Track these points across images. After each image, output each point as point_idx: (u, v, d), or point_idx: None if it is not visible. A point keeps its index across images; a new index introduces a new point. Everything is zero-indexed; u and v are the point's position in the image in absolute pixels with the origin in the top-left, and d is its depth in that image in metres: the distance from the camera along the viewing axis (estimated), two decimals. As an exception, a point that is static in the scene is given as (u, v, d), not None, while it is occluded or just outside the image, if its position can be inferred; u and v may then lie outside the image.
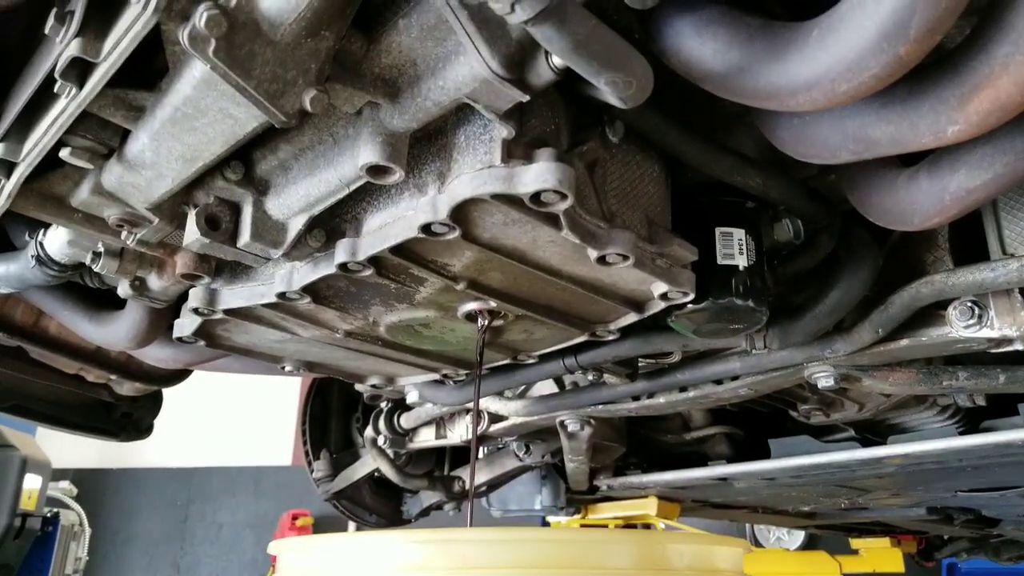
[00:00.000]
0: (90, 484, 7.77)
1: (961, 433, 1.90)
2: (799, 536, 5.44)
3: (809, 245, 1.29)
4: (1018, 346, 1.27)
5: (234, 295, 1.21)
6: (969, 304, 1.22)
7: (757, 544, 5.72)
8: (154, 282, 1.26)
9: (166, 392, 2.20)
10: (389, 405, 2.10)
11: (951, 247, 1.32)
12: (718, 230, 1.18)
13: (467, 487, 2.21)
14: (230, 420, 8.44)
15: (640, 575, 0.84)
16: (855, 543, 3.98)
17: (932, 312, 1.28)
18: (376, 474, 2.29)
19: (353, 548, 0.88)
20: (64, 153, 0.94)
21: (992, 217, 1.25)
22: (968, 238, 1.32)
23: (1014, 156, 0.91)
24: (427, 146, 0.97)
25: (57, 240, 1.21)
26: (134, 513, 8.63)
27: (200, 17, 0.71)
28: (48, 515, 5.42)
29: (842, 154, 0.91)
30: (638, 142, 1.08)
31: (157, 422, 2.34)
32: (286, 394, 8.01)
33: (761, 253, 1.20)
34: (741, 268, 1.17)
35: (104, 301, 1.60)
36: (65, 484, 6.39)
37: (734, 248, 1.17)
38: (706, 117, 1.15)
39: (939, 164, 0.99)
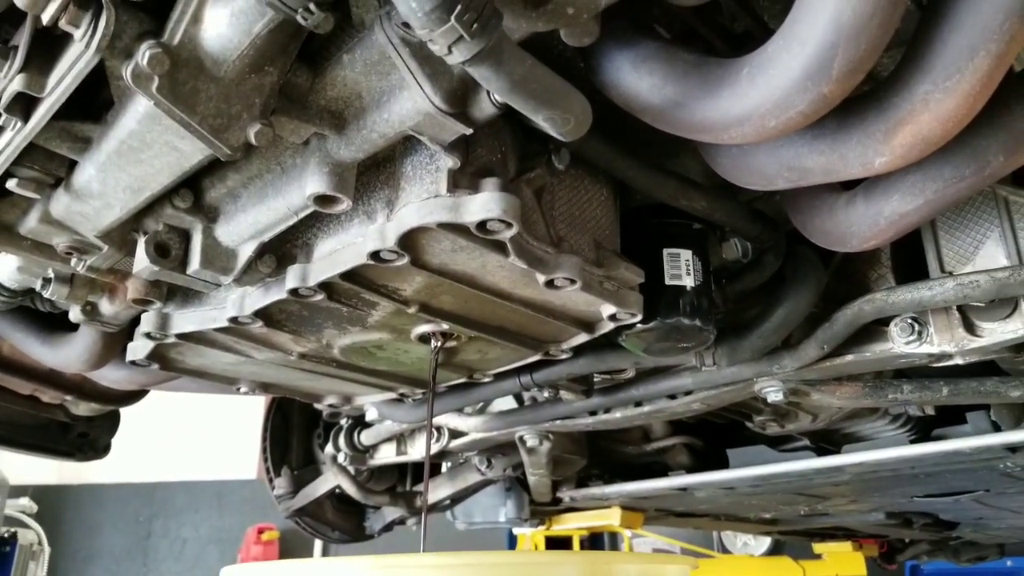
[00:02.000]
0: (50, 501, 7.59)
1: (913, 441, 1.95)
2: (765, 542, 5.51)
3: (756, 264, 1.32)
4: (957, 361, 1.31)
5: (186, 320, 1.20)
6: (909, 321, 1.26)
7: (724, 550, 5.78)
8: (106, 307, 1.25)
9: (127, 406, 2.17)
10: (349, 422, 2.09)
11: (894, 265, 1.36)
12: (666, 251, 1.20)
13: (425, 504, 2.22)
14: (192, 434, 8.30)
15: (589, 595, 0.86)
16: (818, 548, 4.05)
17: (875, 328, 1.32)
18: (338, 490, 2.28)
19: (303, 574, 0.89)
20: (11, 184, 0.94)
21: (931, 237, 1.29)
22: (910, 256, 1.36)
23: (943, 183, 0.94)
24: (376, 174, 0.98)
25: (6, 267, 1.20)
26: (96, 529, 8.44)
27: (143, 55, 0.72)
28: (5, 535, 5.29)
29: (778, 182, 0.94)
30: (586, 167, 1.10)
31: (118, 436, 2.31)
32: (249, 407, 7.91)
33: (708, 273, 1.23)
34: (688, 288, 1.19)
35: (57, 324, 1.58)
36: (25, 501, 6.24)
37: (681, 269, 1.20)
38: (654, 143, 1.18)
39: (874, 190, 1.02)
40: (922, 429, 2.02)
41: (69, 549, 8.16)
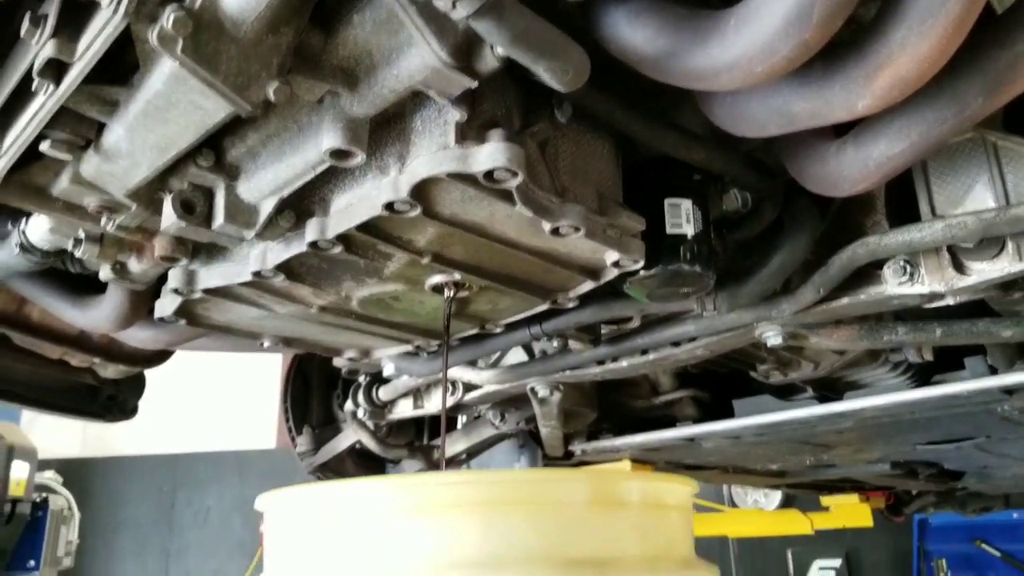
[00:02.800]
0: (75, 473, 7.80)
1: (912, 387, 2.01)
2: (776, 498, 5.62)
3: (754, 213, 1.37)
4: (948, 301, 1.36)
5: (211, 275, 1.27)
6: (902, 263, 1.31)
7: (733, 505, 5.90)
8: (134, 265, 1.32)
9: (148, 379, 2.26)
10: (367, 379, 2.17)
11: (888, 212, 1.41)
12: (667, 201, 1.25)
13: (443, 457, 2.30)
14: (212, 406, 8.48)
15: (594, 509, 0.93)
16: (825, 500, 4.13)
17: (870, 272, 1.37)
18: (358, 446, 2.37)
19: (331, 496, 0.96)
20: (44, 146, 1.00)
21: (924, 183, 1.34)
22: (903, 203, 1.41)
23: (926, 126, 0.99)
24: (387, 131, 1.04)
25: (39, 228, 1.27)
26: (121, 501, 8.68)
27: (167, 18, 0.78)
28: (37, 500, 5.48)
29: (770, 128, 0.99)
30: (588, 121, 1.15)
31: (140, 409, 2.40)
32: (267, 378, 8.06)
33: (708, 222, 1.28)
34: (689, 236, 1.25)
35: (86, 286, 1.65)
36: (50, 474, 6.43)
37: (682, 218, 1.25)
38: (653, 96, 1.23)
39: (863, 136, 1.07)
40: (921, 376, 2.08)
41: (96, 520, 8.40)
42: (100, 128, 1.01)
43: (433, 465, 2.37)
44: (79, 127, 1.00)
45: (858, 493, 4.05)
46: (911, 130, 1.00)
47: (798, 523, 4.19)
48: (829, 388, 2.21)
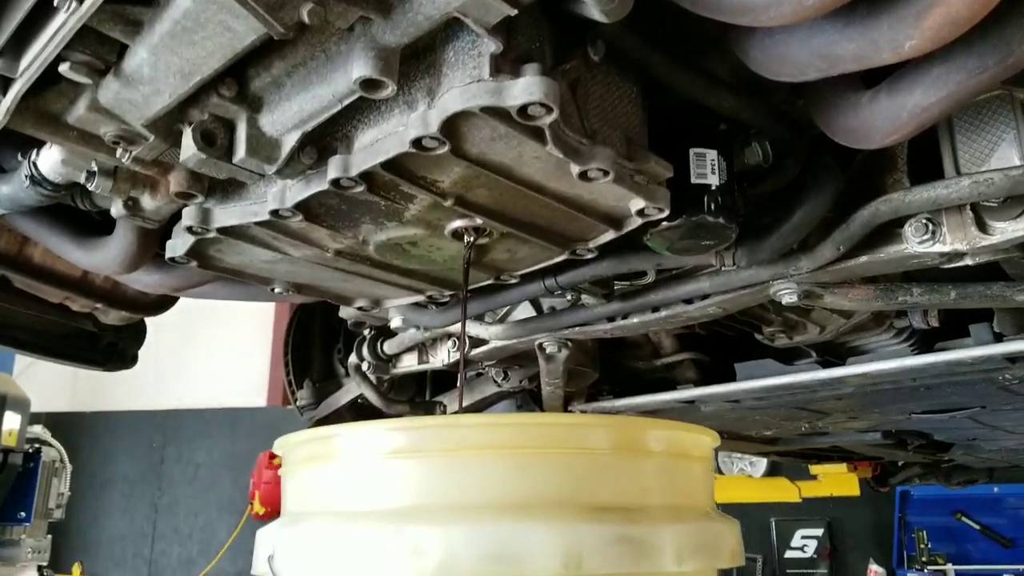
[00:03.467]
0: (64, 428, 7.78)
1: (915, 354, 2.03)
2: (761, 466, 5.70)
3: (777, 168, 1.36)
4: (968, 261, 1.36)
5: (227, 213, 1.25)
6: (924, 221, 1.31)
7: (719, 472, 5.98)
8: (147, 202, 1.29)
9: (155, 315, 2.22)
10: (372, 332, 2.16)
11: (910, 169, 1.40)
12: (692, 151, 1.24)
13: (447, 411, 2.30)
14: (203, 362, 8.46)
15: (619, 456, 0.93)
16: (814, 469, 4.20)
17: (890, 230, 1.36)
18: (359, 401, 2.37)
19: (360, 435, 0.96)
20: (63, 68, 0.97)
21: (948, 140, 1.33)
22: (926, 161, 1.40)
23: (965, 75, 0.98)
24: (416, 64, 1.01)
25: (50, 159, 1.24)
26: (110, 456, 8.69)
27: (204, -73, 0.74)
28: (30, 451, 5.47)
29: (809, 71, 0.98)
30: (617, 65, 1.13)
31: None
32: (258, 335, 8.05)
33: (732, 174, 1.27)
34: (713, 187, 1.24)
35: (91, 227, 1.62)
36: (38, 428, 6.41)
37: (707, 168, 1.23)
38: (683, 42, 1.21)
39: (898, 84, 1.05)
40: (925, 342, 2.09)
41: (85, 474, 8.41)
42: (121, 51, 0.98)
43: (435, 421, 2.37)
44: (101, 49, 0.97)
45: (846, 463, 4.11)
46: (949, 79, 0.99)
47: (786, 491, 4.25)
48: (832, 353, 2.22)
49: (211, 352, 8.44)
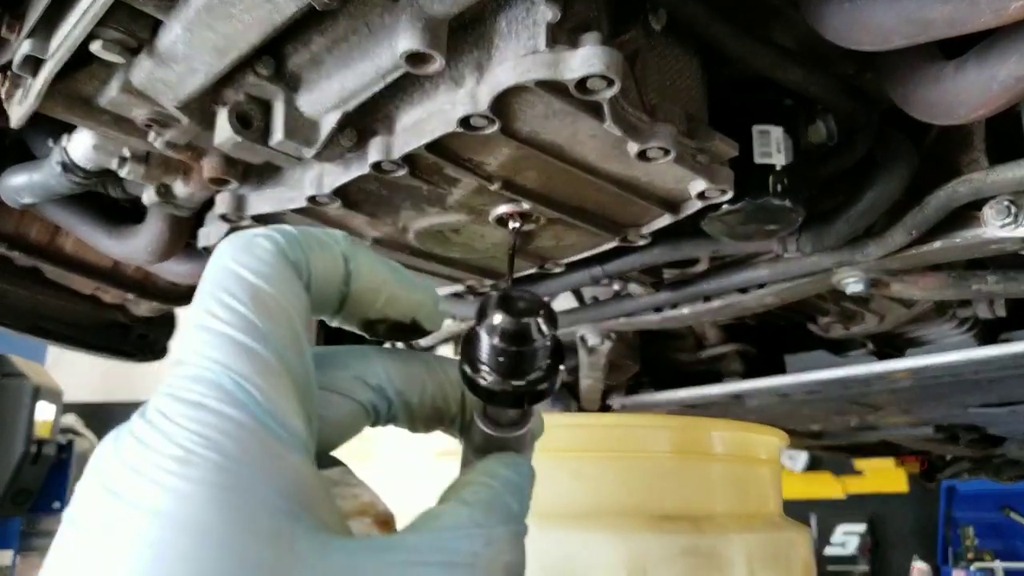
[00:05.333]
0: (96, 418, 7.87)
1: (979, 345, 1.92)
2: (802, 460, 5.56)
3: (844, 147, 1.27)
4: (1052, 247, 1.26)
5: (262, 200, 1.19)
6: (1006, 203, 1.21)
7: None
8: (180, 189, 1.24)
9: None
10: (409, 323, 2.11)
11: (988, 148, 1.30)
12: (755, 128, 1.15)
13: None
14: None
15: (683, 459, 0.86)
16: (859, 464, 4.07)
17: (966, 213, 1.27)
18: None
19: (405, 436, 0.89)
20: (95, 47, 0.91)
21: (1032, 115, 1.23)
22: (1005, 141, 1.30)
23: (1071, 38, 0.88)
24: (464, 37, 0.94)
25: (82, 145, 1.19)
26: (144, 446, 8.79)
27: None
28: (63, 442, 5.53)
29: (895, 38, 0.89)
30: (677, 36, 1.05)
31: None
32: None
33: (799, 153, 1.18)
34: (778, 167, 1.15)
35: (123, 216, 1.58)
36: (71, 419, 6.48)
37: (771, 146, 1.15)
38: (745, 11, 1.12)
39: (989, 52, 0.96)
40: (989, 332, 1.99)
41: (120, 463, 8.51)
42: (155, 28, 0.93)
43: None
44: (133, 25, 0.91)
45: (893, 457, 3.98)
46: (1051, 43, 0.90)
47: (829, 486, 4.13)
48: (888, 344, 2.12)
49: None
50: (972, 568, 5.85)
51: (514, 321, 0.37)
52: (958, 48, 1.03)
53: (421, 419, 0.46)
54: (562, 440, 0.82)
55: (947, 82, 1.02)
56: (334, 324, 0.44)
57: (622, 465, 0.81)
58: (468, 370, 0.39)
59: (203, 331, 0.34)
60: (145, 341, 2.27)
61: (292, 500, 0.31)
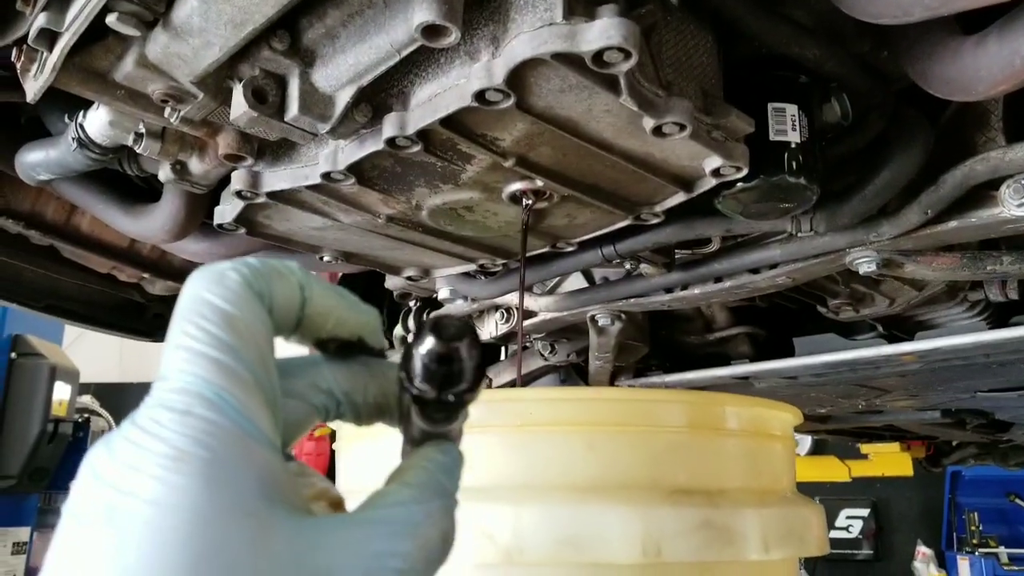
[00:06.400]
0: (112, 398, 7.94)
1: (990, 328, 1.91)
2: (806, 444, 5.57)
3: (858, 126, 1.26)
4: (1068, 227, 1.26)
5: (277, 177, 1.20)
6: (1023, 182, 1.20)
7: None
8: (195, 165, 1.25)
9: None
10: (418, 303, 2.11)
11: (1005, 127, 1.29)
12: (771, 105, 1.15)
13: (493, 386, 2.25)
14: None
15: (698, 434, 0.86)
16: (865, 448, 4.08)
17: (982, 193, 1.26)
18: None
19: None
20: (111, 19, 0.91)
21: (1050, 93, 1.22)
22: (1020, 120, 1.29)
23: (1094, 12, 0.87)
24: (479, 10, 0.94)
25: (98, 121, 1.20)
26: (156, 427, 8.85)
27: None
28: (79, 420, 5.58)
29: (915, 10, 0.88)
30: (693, 12, 1.04)
31: None
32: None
33: (813, 131, 1.18)
34: (794, 145, 1.15)
35: (139, 194, 1.59)
36: (87, 399, 6.55)
37: (787, 124, 1.15)
38: (760, -14, 1.12)
39: (1011, 27, 0.95)
40: (1000, 315, 1.98)
41: (132, 444, 8.58)
42: (171, 1, 0.93)
43: (482, 395, 2.32)
44: (148, -3, 0.91)
45: (899, 442, 3.98)
46: (1075, 18, 0.89)
47: (835, 469, 4.14)
48: (898, 327, 2.11)
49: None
50: (976, 554, 5.86)
51: (444, 345, 0.43)
52: (977, 25, 1.02)
53: (365, 415, 0.52)
54: (576, 414, 0.82)
55: (967, 58, 1.01)
56: (291, 342, 0.50)
57: (637, 439, 0.82)
58: (404, 380, 0.45)
59: (184, 351, 0.40)
60: (161, 320, 2.29)
61: (268, 488, 0.38)
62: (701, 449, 0.84)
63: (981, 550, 5.95)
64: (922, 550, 6.10)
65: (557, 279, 1.94)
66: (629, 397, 0.95)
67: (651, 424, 0.83)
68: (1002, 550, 5.91)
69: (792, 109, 1.15)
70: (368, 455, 0.94)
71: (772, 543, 0.80)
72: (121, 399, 8.70)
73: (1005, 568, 5.84)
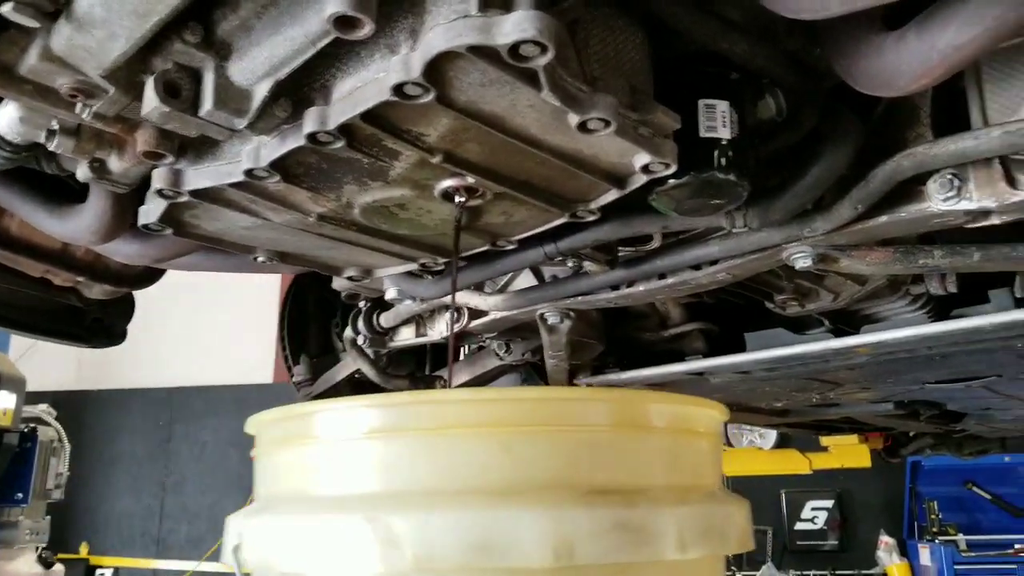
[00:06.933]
0: (70, 406, 7.77)
1: (932, 321, 1.94)
2: (771, 438, 5.64)
3: (791, 121, 1.27)
4: (995, 219, 1.27)
5: (200, 175, 1.16)
6: (949, 176, 1.21)
7: (729, 445, 5.93)
8: (114, 163, 1.21)
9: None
10: (368, 304, 2.08)
11: (933, 123, 1.30)
12: (701, 102, 1.14)
13: (447, 386, 2.23)
14: (209, 339, 8.42)
15: (616, 433, 0.85)
16: (825, 440, 4.13)
17: (912, 188, 1.27)
18: (357, 375, 2.30)
19: (332, 413, 0.88)
20: (6, 8, 0.87)
21: (976, 88, 1.23)
22: (950, 115, 1.30)
23: (1004, 7, 0.88)
24: (399, 2, 0.92)
25: (7, 117, 1.15)
26: (117, 434, 8.68)
27: None
28: (25, 431, 5.41)
29: (832, 4, 0.88)
30: (621, 5, 1.03)
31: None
32: (264, 311, 7.99)
33: (744, 127, 1.17)
34: (724, 141, 1.14)
35: (67, 194, 1.54)
36: (44, 406, 6.38)
37: (717, 120, 1.14)
38: (690, -19, 1.11)
39: (928, 22, 0.96)
40: (940, 309, 2.00)
41: (93, 452, 8.42)
42: (71, -9, 0.89)
43: (434, 395, 2.30)
44: (46, -13, 0.87)
45: (857, 434, 4.04)
46: (987, 12, 0.89)
47: (796, 462, 4.19)
48: (845, 321, 2.13)
49: (217, 328, 8.38)
50: (936, 542, 5.98)
51: None
52: (903, 21, 1.02)
53: None
54: (492, 415, 0.80)
55: (888, 53, 1.01)
56: None
57: (553, 440, 0.80)
58: None
59: None
60: (100, 325, 2.22)
61: None
62: (620, 448, 0.82)
63: (941, 538, 6.08)
64: (884, 539, 6.21)
65: (508, 277, 1.92)
66: (545, 396, 0.93)
67: (569, 424, 0.82)
68: (961, 537, 6.04)
69: (723, 106, 1.14)
70: (286, 461, 0.92)
71: (690, 541, 0.79)
72: (79, 406, 8.52)
73: (963, 555, 5.98)
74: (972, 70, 1.24)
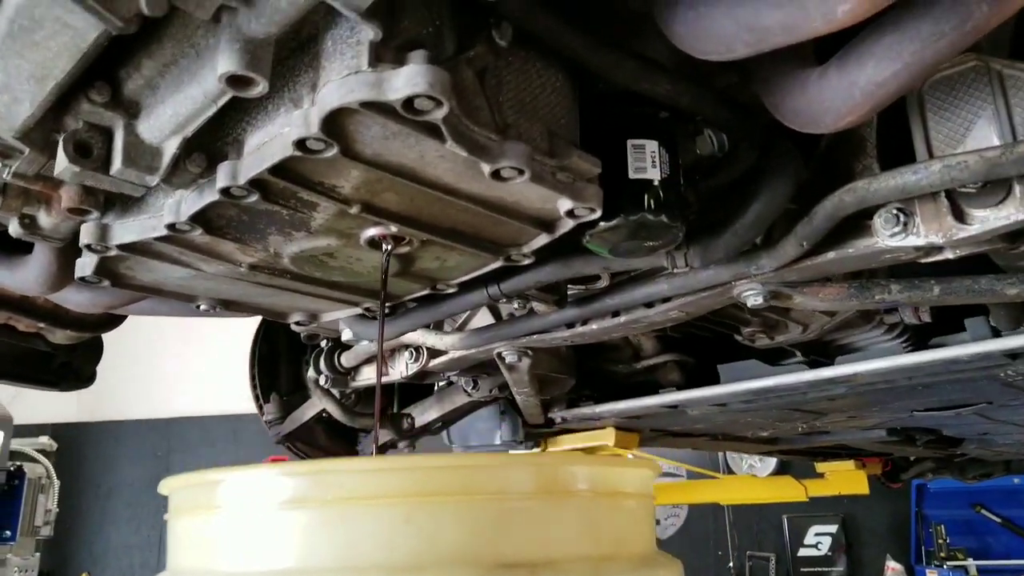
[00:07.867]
0: (69, 438, 7.77)
1: (908, 351, 1.89)
2: (770, 464, 5.54)
3: (730, 157, 1.24)
4: (947, 255, 1.23)
5: (125, 229, 1.15)
6: (895, 211, 1.18)
7: (729, 471, 5.83)
8: (44, 219, 1.19)
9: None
10: (329, 344, 2.06)
11: (879, 155, 1.27)
12: (630, 142, 1.12)
13: (416, 425, 2.20)
14: (205, 370, 8.41)
15: (534, 501, 0.81)
16: (820, 467, 4.05)
17: (859, 222, 1.24)
18: (325, 415, 2.27)
19: (233, 483, 0.85)
20: (-100, 76, 0.87)
21: (919, 119, 1.20)
22: (897, 146, 1.27)
23: (920, 43, 0.86)
24: (301, 57, 0.90)
25: (-70, 176, 1.14)
26: (115, 465, 8.66)
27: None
28: (12, 468, 5.38)
29: (737, 46, 0.86)
30: (538, 50, 1.01)
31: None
32: (261, 344, 7.98)
33: (677, 166, 1.15)
34: (655, 182, 1.12)
35: (15, 245, 1.53)
36: (44, 439, 6.37)
37: (646, 161, 1.12)
38: (612, 23, 1.09)
39: (848, 59, 0.94)
40: (918, 338, 1.96)
41: (91, 484, 8.39)
42: (-33, 56, 0.88)
43: (404, 434, 2.27)
44: (-60, 54, 0.86)
45: (854, 460, 3.96)
46: (903, 48, 0.87)
47: (792, 490, 4.11)
48: (819, 352, 2.09)
49: (213, 359, 8.37)
50: (945, 567, 5.83)
51: None
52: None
53: None
54: (394, 485, 0.77)
55: (812, 90, 0.99)
56: None
57: (459, 510, 0.77)
58: None
59: None
60: (69, 368, 2.21)
61: None
62: (530, 518, 0.79)
63: (950, 563, 5.93)
64: (891, 565, 6.07)
65: (468, 315, 1.89)
66: (454, 464, 0.89)
67: (476, 492, 0.78)
68: (971, 563, 5.89)
69: (652, 145, 1.12)
70: (190, 530, 0.89)
71: (598, 614, 0.75)
72: (78, 439, 8.50)
73: (975, 580, 5.82)
74: (915, 100, 1.21)
